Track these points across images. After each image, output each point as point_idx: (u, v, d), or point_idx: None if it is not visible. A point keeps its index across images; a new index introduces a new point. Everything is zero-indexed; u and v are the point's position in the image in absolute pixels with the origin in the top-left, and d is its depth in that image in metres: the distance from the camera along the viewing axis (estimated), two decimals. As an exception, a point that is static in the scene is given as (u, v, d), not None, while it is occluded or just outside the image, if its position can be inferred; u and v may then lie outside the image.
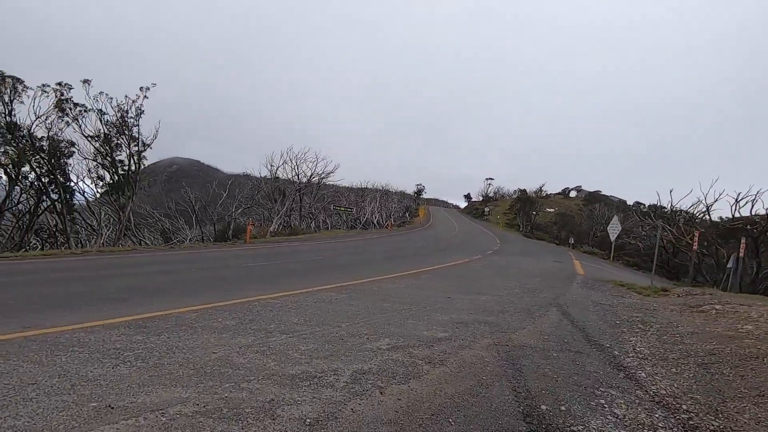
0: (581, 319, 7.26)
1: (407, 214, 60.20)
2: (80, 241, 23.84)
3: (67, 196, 19.45)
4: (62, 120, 18.14)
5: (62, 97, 18.69)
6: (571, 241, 42.96)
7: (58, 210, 18.97)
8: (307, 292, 7.90)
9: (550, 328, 6.52)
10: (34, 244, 23.12)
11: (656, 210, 37.96)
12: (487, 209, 73.41)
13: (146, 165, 22.79)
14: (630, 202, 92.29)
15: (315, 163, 33.85)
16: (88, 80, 20.90)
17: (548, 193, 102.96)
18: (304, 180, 34.16)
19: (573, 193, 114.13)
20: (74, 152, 18.92)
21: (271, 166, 32.62)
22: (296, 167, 33.32)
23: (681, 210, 29.50)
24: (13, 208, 18.34)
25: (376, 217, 47.78)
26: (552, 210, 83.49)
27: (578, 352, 5.35)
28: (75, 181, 20.59)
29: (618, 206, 77.38)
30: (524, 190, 72.59)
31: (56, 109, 18.12)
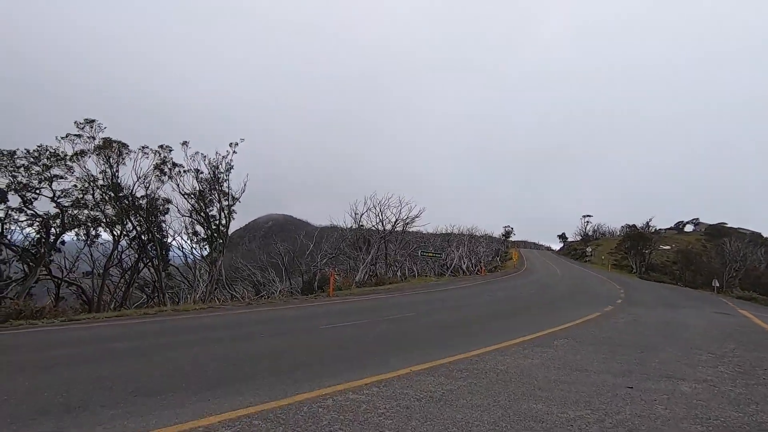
0: None
1: (497, 258, 55.29)
2: (178, 295, 24.18)
3: (163, 252, 19.70)
4: (159, 179, 18.68)
5: (163, 158, 19.37)
6: (716, 284, 34.86)
7: (155, 266, 19.16)
8: (404, 375, 5.30)
9: None
10: (143, 298, 23.93)
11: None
12: (589, 249, 64.86)
13: (235, 219, 22.80)
14: (766, 234, 76.58)
15: (399, 208, 31.98)
16: (186, 142, 21.81)
17: (657, 228, 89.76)
18: (389, 227, 32.37)
19: (689, 228, 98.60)
20: (169, 209, 19.30)
21: (355, 214, 31.50)
22: (380, 214, 31.77)
23: None
24: (117, 265, 18.91)
25: (464, 263, 44.10)
26: (668, 247, 71.72)
27: None
28: (172, 236, 21.00)
29: (753, 240, 64.35)
30: (634, 226, 63.16)
31: (155, 170, 18.76)
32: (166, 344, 7.12)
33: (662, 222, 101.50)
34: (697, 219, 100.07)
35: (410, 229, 35.52)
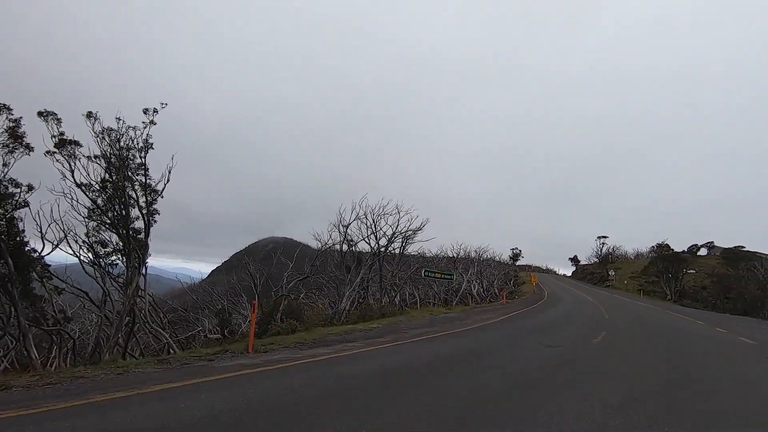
0: None
1: (511, 283, 47.16)
2: (75, 342, 16.33)
3: (27, 271, 12.19)
4: (11, 155, 11.38)
5: (18, 121, 12.07)
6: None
7: (8, 292, 11.57)
8: None
9: None
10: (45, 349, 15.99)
11: None
12: (612, 272, 56.64)
13: (157, 222, 15.27)
14: (787, 257, 68.84)
15: (397, 217, 24.15)
16: (92, 113, 14.72)
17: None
18: (383, 241, 24.57)
19: (703, 251, 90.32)
20: (28, 202, 11.88)
21: (342, 226, 23.65)
22: (373, 225, 24.02)
23: None
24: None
25: (475, 287, 36.02)
26: (692, 271, 63.62)
27: None
28: (52, 244, 13.47)
29: (775, 263, 57.03)
30: (666, 245, 55.05)
31: (9, 139, 11.51)
32: None
33: (673, 245, 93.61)
34: (712, 242, 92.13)
35: (411, 246, 27.63)
